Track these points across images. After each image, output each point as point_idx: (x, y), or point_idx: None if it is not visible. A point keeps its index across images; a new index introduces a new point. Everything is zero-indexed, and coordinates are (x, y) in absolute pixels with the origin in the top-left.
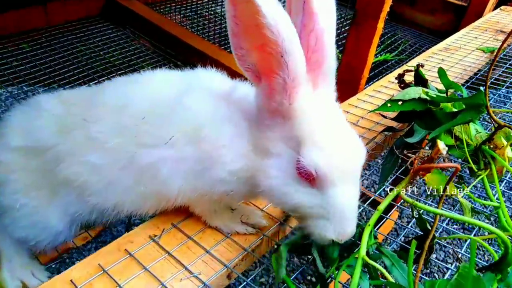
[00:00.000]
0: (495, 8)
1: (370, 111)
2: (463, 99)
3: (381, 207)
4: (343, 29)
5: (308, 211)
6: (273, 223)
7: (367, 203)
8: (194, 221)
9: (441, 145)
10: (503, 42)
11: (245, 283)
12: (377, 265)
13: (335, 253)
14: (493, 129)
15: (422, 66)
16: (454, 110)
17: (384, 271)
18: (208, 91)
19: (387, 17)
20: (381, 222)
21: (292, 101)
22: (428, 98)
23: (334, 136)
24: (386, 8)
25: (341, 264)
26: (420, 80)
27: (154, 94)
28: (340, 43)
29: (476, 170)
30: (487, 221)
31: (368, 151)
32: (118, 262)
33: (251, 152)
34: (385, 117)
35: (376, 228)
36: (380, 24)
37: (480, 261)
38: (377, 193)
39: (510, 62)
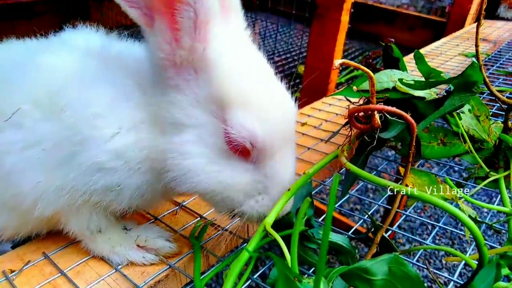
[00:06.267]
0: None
1: (333, 95)
2: (449, 79)
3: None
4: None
5: (240, 189)
6: (188, 248)
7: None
8: (77, 250)
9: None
10: None
11: None
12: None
13: None
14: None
15: (392, 41)
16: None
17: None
18: (72, 47)
19: (352, 10)
20: None
21: (206, 43)
22: (403, 87)
23: (264, 91)
24: None
25: None
26: (391, 60)
27: (3, 60)
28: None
29: (488, 170)
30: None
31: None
32: None
33: (148, 125)
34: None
35: None
36: (345, 17)
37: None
38: (340, 202)
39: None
